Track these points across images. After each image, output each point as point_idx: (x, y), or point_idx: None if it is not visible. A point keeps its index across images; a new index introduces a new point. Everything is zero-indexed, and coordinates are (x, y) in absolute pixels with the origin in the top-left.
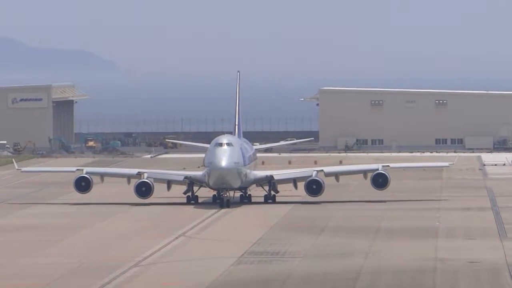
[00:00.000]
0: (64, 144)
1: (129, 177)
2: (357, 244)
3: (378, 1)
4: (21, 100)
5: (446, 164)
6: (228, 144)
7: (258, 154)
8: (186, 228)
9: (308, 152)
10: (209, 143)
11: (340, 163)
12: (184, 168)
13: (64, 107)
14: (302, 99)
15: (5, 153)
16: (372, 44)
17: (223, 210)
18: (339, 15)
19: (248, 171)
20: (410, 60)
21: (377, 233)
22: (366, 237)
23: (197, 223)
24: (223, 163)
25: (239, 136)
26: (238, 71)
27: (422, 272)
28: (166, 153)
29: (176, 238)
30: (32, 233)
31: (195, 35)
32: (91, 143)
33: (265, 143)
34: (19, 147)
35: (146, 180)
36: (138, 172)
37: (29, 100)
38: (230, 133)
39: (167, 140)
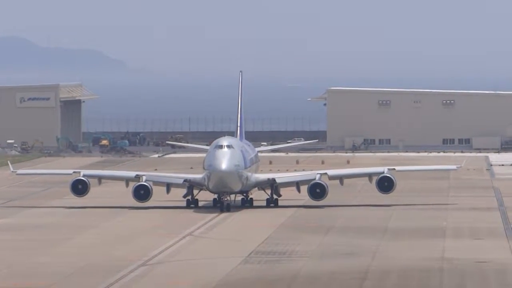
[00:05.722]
0: (72, 143)
1: (127, 180)
2: (364, 243)
3: (385, 1)
4: (29, 99)
5: (454, 167)
6: (228, 146)
7: (265, 154)
8: (193, 228)
9: (316, 152)
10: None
11: (348, 163)
12: (191, 168)
13: (71, 106)
14: (310, 99)
15: (13, 152)
16: (378, 44)
17: (223, 214)
18: (344, 16)
19: (249, 174)
20: (416, 61)
21: (384, 233)
22: (373, 237)
23: (202, 224)
24: (223, 165)
25: (241, 137)
26: (241, 71)
27: (429, 272)
28: (174, 152)
29: (183, 237)
30: (39, 232)
31: (203, 35)
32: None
33: (271, 143)
34: (27, 146)
35: (144, 183)
36: (137, 175)
37: (37, 99)
38: (233, 134)
39: (167, 142)
